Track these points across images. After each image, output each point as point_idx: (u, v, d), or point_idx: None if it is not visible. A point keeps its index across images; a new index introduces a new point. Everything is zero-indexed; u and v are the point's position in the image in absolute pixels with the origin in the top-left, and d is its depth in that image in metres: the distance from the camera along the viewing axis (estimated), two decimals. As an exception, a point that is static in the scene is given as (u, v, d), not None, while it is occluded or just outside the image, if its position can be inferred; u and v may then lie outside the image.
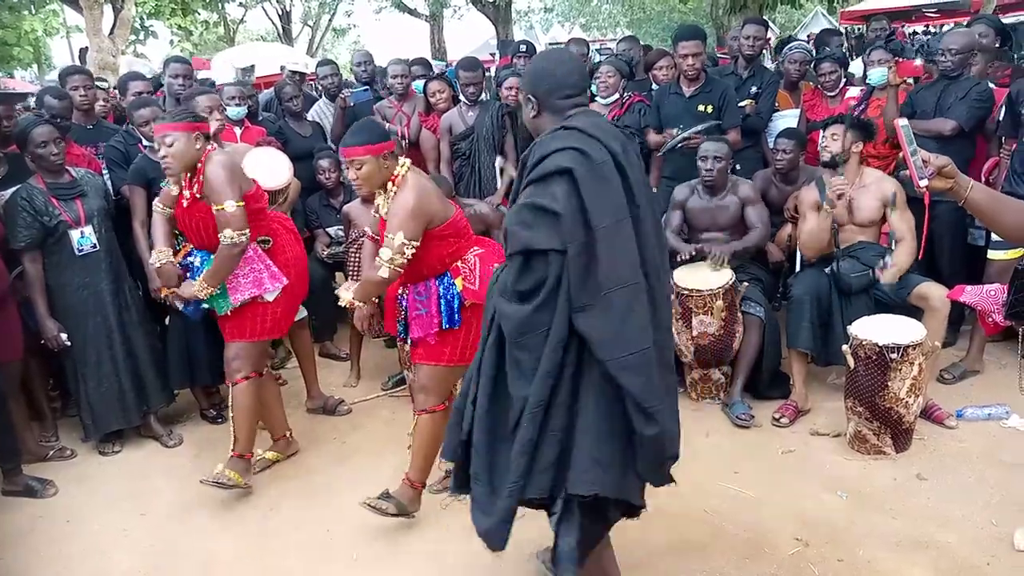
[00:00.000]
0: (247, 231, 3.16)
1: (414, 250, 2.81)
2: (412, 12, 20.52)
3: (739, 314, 3.87)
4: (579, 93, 2.19)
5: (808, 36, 11.49)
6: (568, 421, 2.07)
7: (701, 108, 4.58)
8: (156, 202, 3.42)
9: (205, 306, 3.39)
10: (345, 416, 4.18)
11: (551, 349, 2.01)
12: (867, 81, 4.73)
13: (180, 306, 3.45)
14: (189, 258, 3.41)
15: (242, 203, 3.15)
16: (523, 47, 6.18)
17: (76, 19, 15.71)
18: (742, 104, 4.73)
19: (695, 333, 3.82)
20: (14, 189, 3.63)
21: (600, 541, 2.32)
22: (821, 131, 3.98)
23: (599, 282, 1.97)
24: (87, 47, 11.32)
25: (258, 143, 4.25)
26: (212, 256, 3.24)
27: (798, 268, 4.17)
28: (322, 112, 5.65)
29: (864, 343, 3.34)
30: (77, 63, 10.80)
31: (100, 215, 3.73)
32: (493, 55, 12.09)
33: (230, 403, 3.37)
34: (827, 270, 3.83)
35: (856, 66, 5.95)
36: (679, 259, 3.99)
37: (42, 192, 3.60)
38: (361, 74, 6.08)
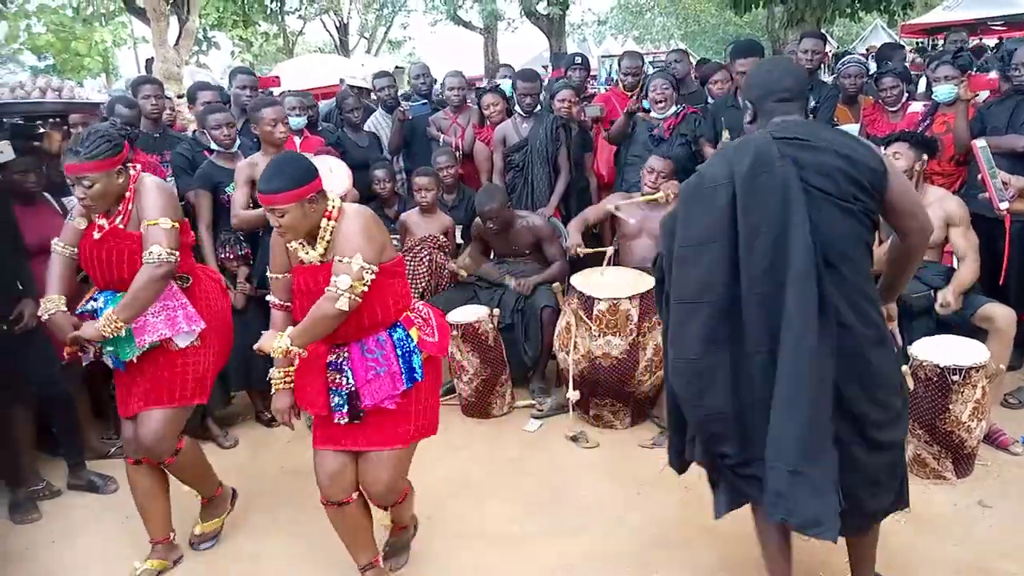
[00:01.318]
0: (177, 253, 2.73)
1: (373, 276, 2.38)
2: (467, 25, 20.70)
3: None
4: (791, 98, 2.21)
5: (867, 49, 11.30)
6: None
7: (759, 122, 4.53)
8: (56, 241, 2.88)
9: (109, 349, 2.84)
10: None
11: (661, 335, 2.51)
12: (933, 97, 4.63)
13: (84, 360, 2.87)
14: (90, 303, 2.90)
15: (177, 225, 2.76)
16: (577, 59, 6.21)
17: (143, 30, 16.24)
18: (800, 118, 4.67)
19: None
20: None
21: (735, 497, 2.43)
22: (883, 148, 3.90)
23: (667, 291, 2.28)
24: (152, 57, 11.70)
25: (317, 152, 4.34)
26: (119, 296, 2.78)
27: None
28: (378, 123, 5.75)
29: (925, 364, 3.26)
30: (144, 73, 11.17)
31: (165, 220, 3.81)
32: (546, 67, 12.11)
33: (175, 475, 3.04)
34: (887, 289, 3.75)
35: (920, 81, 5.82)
36: None
37: (112, 197, 3.73)
38: (420, 86, 6.15)
